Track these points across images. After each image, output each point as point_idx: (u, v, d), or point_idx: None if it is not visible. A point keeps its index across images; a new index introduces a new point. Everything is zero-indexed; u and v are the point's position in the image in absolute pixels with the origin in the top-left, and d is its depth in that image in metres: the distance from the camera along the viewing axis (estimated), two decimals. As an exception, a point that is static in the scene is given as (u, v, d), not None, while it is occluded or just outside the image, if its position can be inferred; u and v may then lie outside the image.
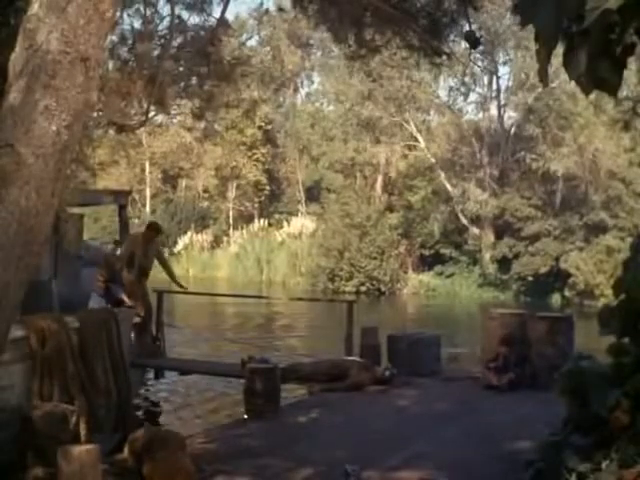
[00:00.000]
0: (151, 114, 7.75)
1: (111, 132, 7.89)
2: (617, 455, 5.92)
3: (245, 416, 8.95)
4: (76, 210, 12.84)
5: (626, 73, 3.44)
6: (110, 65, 7.49)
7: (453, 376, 11.41)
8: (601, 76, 3.23)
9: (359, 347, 11.73)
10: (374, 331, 11.96)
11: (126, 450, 6.62)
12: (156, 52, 7.72)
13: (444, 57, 7.93)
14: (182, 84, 8.07)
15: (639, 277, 6.90)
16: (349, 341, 12.05)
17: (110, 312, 10.03)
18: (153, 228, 13.27)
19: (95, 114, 7.02)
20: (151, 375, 12.94)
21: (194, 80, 8.12)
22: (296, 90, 51.78)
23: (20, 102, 3.24)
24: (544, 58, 3.27)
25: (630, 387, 6.56)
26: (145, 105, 7.35)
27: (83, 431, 7.30)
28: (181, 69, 7.96)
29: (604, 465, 5.95)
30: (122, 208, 14.31)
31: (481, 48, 36.78)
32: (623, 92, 28.25)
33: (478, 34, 8.69)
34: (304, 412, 9.26)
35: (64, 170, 3.37)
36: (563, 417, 7.07)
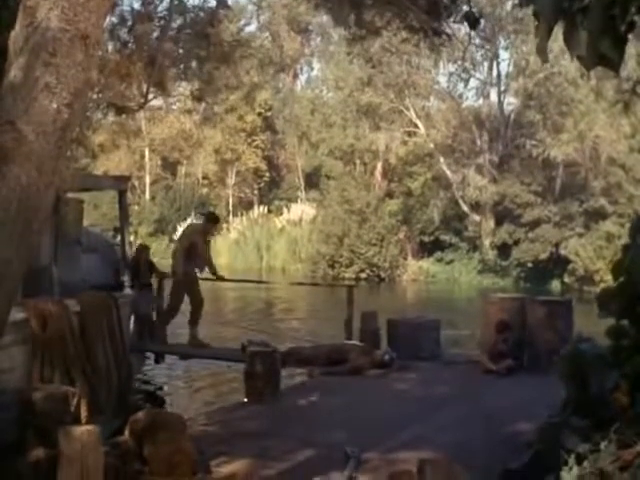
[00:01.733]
0: (151, 96, 7.73)
1: (111, 114, 7.88)
2: (616, 436, 5.94)
3: (245, 399, 8.97)
4: (76, 195, 12.84)
5: (626, 54, 3.44)
6: (110, 47, 7.48)
7: (452, 360, 11.45)
8: (602, 53, 3.23)
9: (359, 331, 11.76)
10: (374, 315, 11.98)
11: (127, 432, 6.63)
12: (155, 34, 7.71)
13: (444, 38, 7.90)
14: (182, 66, 8.05)
15: (638, 259, 6.91)
16: (349, 325, 12.06)
17: (111, 296, 10.03)
18: (213, 219, 12.93)
19: (95, 96, 7.01)
20: (151, 360, 12.95)
21: (194, 62, 8.09)
22: (295, 76, 51.67)
23: (20, 80, 3.24)
24: (543, 35, 3.28)
25: (629, 369, 6.59)
26: (145, 87, 7.34)
27: (84, 413, 7.31)
28: (181, 51, 7.94)
29: (603, 446, 5.96)
30: (122, 194, 14.25)
31: (481, 34, 36.79)
32: (623, 72, 28.20)
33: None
34: (304, 395, 9.30)
35: (65, 148, 3.37)
36: (562, 400, 7.11)
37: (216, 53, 8.10)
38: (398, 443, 7.24)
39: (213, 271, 12.60)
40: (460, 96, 40.04)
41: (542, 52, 3.46)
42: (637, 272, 6.74)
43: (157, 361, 12.52)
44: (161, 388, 12.55)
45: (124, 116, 7.91)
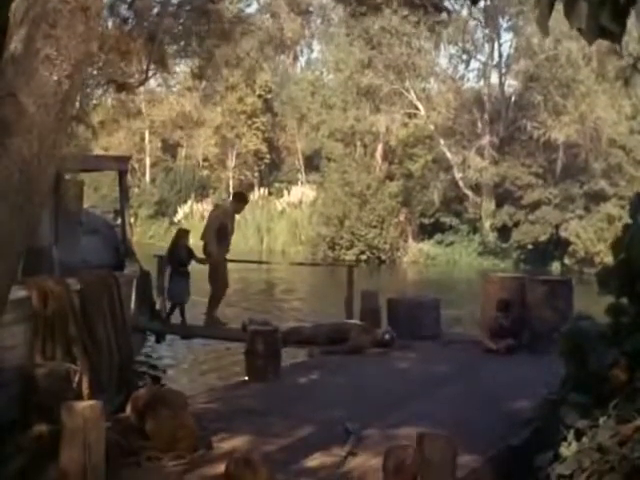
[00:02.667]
0: (151, 73, 7.72)
1: (111, 91, 7.87)
2: (615, 411, 5.98)
3: (246, 377, 9.01)
4: (76, 176, 12.82)
5: (627, 29, 3.43)
6: (109, 23, 7.46)
7: (453, 339, 11.48)
8: (603, 25, 3.22)
9: (359, 311, 11.80)
10: (374, 295, 12.02)
11: (128, 408, 6.67)
12: (156, 10, 7.66)
13: (444, 15, 7.86)
14: (182, 43, 8.02)
15: (638, 238, 6.93)
16: (349, 305, 12.11)
17: (111, 275, 10.06)
18: (242, 199, 12.71)
19: (95, 72, 7.01)
20: (152, 340, 12.97)
21: (194, 39, 8.06)
22: (295, 58, 51.51)
23: (21, 51, 3.24)
24: (544, 8, 3.27)
25: (628, 346, 6.62)
26: (145, 64, 7.33)
27: (86, 390, 7.36)
28: (180, 28, 7.91)
29: (602, 421, 6.00)
30: (122, 174, 14.21)
31: (483, 15, 36.65)
32: (624, 48, 28.06)
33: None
34: (304, 374, 9.33)
35: (65, 121, 3.38)
36: (562, 377, 7.15)
37: (216, 30, 8.06)
38: (398, 420, 7.27)
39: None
40: (461, 78, 39.98)
41: (543, 26, 3.45)
42: (637, 250, 6.77)
43: (158, 341, 12.55)
44: (158, 368, 12.58)
45: (124, 93, 7.88)
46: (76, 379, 6.97)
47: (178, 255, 12.15)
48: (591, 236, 31.07)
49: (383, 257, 35.05)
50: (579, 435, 6.23)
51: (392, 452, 4.34)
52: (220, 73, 9.15)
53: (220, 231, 11.84)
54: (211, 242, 11.88)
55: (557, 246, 33.12)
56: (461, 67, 39.70)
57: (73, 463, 5.38)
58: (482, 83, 38.97)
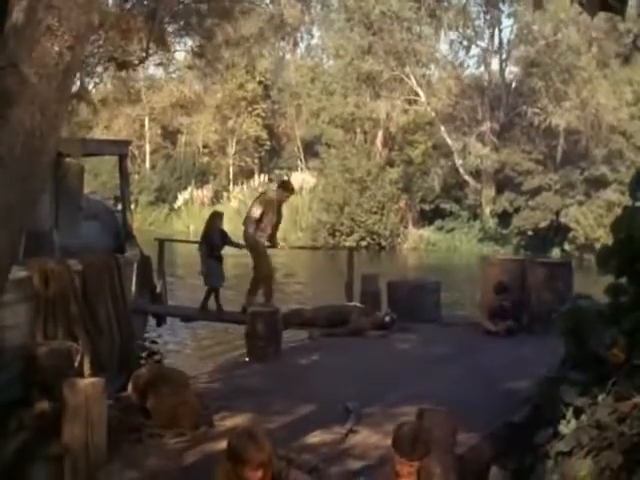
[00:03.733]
0: (151, 52, 7.73)
1: (111, 69, 7.87)
2: (613, 389, 6.01)
3: (246, 358, 9.05)
4: (76, 161, 12.82)
5: (628, 5, 3.43)
6: (110, 1, 7.45)
7: (453, 322, 11.52)
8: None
9: (359, 294, 11.82)
10: (374, 278, 12.05)
11: (130, 387, 6.72)
12: (156, -14, 7.65)
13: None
14: (182, 22, 8.01)
15: (637, 216, 6.95)
16: (349, 288, 12.13)
17: (112, 256, 10.08)
18: (287, 188, 12.44)
19: (96, 50, 7.02)
20: (153, 323, 13.00)
21: (194, 17, 8.04)
22: (296, 44, 51.32)
23: (23, 22, 3.25)
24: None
25: (627, 325, 6.63)
26: (145, 42, 7.33)
27: (87, 370, 7.40)
28: (181, 6, 7.89)
29: (600, 399, 6.04)
30: (122, 158, 14.21)
31: (483, 1, 36.54)
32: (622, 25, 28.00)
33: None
34: (305, 355, 9.38)
35: (67, 92, 3.39)
36: (561, 357, 7.18)
37: (217, 9, 8.04)
38: (398, 399, 7.31)
39: (274, 242, 12.37)
40: (461, 64, 39.88)
41: (537, 1, 3.47)
42: (637, 230, 6.78)
43: (159, 324, 12.57)
44: (159, 352, 12.61)
45: (125, 72, 7.88)
46: (78, 358, 7.00)
47: (212, 239, 11.97)
48: (591, 222, 31.07)
49: (383, 243, 35.05)
50: (578, 413, 6.27)
51: (405, 426, 4.34)
52: (220, 53, 9.10)
53: (261, 219, 11.61)
54: (248, 229, 11.67)
55: (557, 232, 33.11)
56: (462, 53, 39.59)
57: (75, 439, 5.43)
58: (483, 69, 38.92)
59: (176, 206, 42.63)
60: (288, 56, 51.04)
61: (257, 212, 11.71)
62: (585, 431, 5.91)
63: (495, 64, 38.14)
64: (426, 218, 37.22)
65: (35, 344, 7.28)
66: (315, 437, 6.22)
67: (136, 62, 7.67)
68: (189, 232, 37.69)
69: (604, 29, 32.38)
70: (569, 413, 6.29)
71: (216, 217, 12.43)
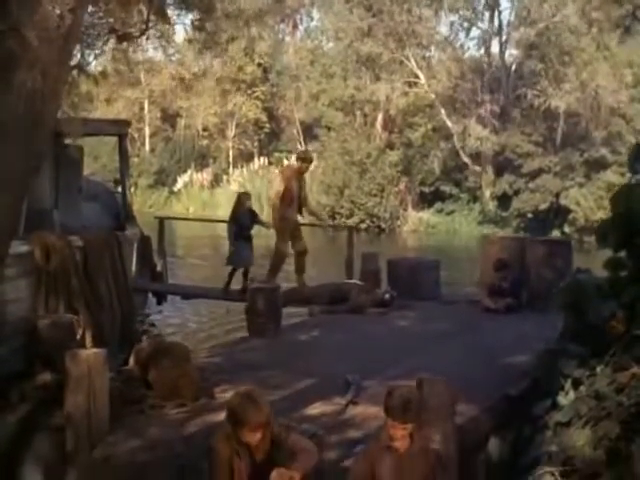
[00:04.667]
0: (151, 24, 7.73)
1: (112, 41, 7.86)
2: (612, 360, 6.05)
3: (247, 334, 9.09)
4: (76, 142, 12.81)
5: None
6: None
7: (452, 299, 11.55)
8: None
9: (359, 272, 11.84)
10: (374, 256, 12.07)
11: (131, 360, 6.76)
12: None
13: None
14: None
15: (637, 191, 6.96)
16: (349, 266, 12.16)
17: (113, 234, 10.10)
18: (305, 158, 12.09)
19: (96, 22, 7.03)
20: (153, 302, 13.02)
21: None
22: (295, 27, 51.12)
23: (24, -15, 3.26)
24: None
25: (626, 297, 6.66)
26: (145, 14, 7.33)
27: (89, 344, 7.44)
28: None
29: (599, 370, 6.08)
30: (122, 138, 14.19)
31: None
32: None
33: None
34: (305, 331, 9.42)
35: (69, 56, 3.41)
36: (560, 331, 7.23)
37: (217, -18, 8.06)
38: (398, 373, 7.34)
39: (311, 211, 12.22)
40: (461, 46, 39.76)
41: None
42: (635, 204, 6.80)
43: (159, 302, 12.57)
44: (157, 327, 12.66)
45: (125, 44, 7.88)
46: (79, 332, 7.04)
47: (240, 219, 11.91)
48: (591, 204, 31.07)
49: (383, 226, 35.05)
50: (577, 384, 6.32)
51: (396, 390, 4.40)
52: (220, 26, 9.08)
53: (285, 194, 11.42)
54: (275, 206, 11.52)
55: (557, 214, 33.11)
56: (462, 35, 39.54)
57: (77, 409, 5.48)
58: (482, 51, 38.79)
59: (176, 189, 42.63)
60: (287, 38, 50.90)
61: (279, 188, 11.56)
62: (583, 402, 5.95)
63: (495, 46, 38.05)
64: (426, 201, 37.20)
65: (37, 317, 7.32)
66: (315, 408, 6.27)
67: (136, 34, 7.68)
68: (189, 214, 37.79)
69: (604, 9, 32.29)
70: (568, 384, 6.34)
71: (243, 197, 12.37)
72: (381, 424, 5.76)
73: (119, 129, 14.07)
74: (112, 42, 7.82)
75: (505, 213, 34.58)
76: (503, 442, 6.17)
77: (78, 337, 7.08)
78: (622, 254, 6.96)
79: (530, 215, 33.62)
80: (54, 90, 3.37)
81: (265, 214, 39.04)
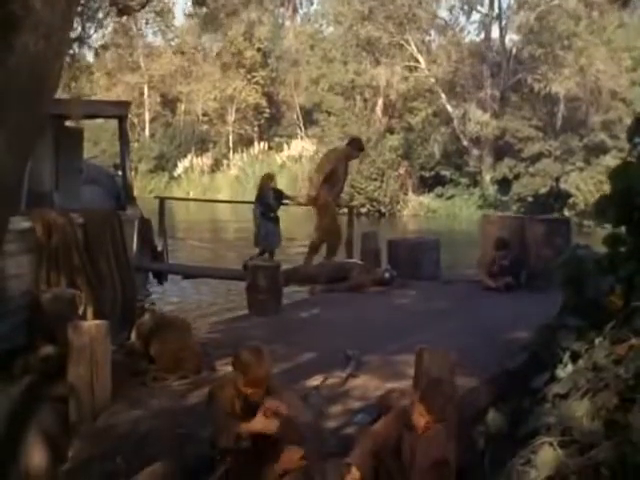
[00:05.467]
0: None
1: (112, 15, 7.87)
2: (610, 333, 6.09)
3: (247, 312, 9.12)
4: (76, 124, 12.81)
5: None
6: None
7: (452, 279, 11.59)
8: None
9: (359, 252, 11.87)
10: (374, 235, 12.09)
11: (133, 335, 6.80)
12: None
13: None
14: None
15: (635, 166, 6.99)
16: (349, 245, 12.18)
17: (114, 213, 10.13)
18: (358, 146, 11.97)
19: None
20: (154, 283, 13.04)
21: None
22: (295, 11, 50.99)
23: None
24: None
25: (624, 273, 6.70)
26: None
27: (90, 318, 7.47)
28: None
29: (597, 342, 6.12)
30: (122, 120, 14.16)
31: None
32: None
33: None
34: (306, 309, 9.46)
35: (71, 20, 3.42)
36: (560, 306, 7.26)
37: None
38: (398, 348, 7.38)
39: (337, 201, 12.03)
40: (462, 30, 39.69)
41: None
42: (635, 180, 6.83)
43: (160, 282, 12.58)
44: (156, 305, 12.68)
45: (125, 18, 7.89)
46: (81, 307, 7.08)
47: (265, 200, 11.91)
48: (591, 188, 31.07)
49: (383, 210, 35.06)
50: (575, 357, 6.36)
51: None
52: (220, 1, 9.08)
53: (330, 175, 11.26)
54: (315, 185, 11.34)
55: (557, 198, 32.89)
56: (462, 19, 39.46)
57: (80, 380, 5.52)
58: (483, 35, 38.71)
59: (176, 174, 42.65)
60: (287, 23, 50.76)
61: (328, 168, 11.35)
62: (582, 374, 5.99)
63: (495, 31, 37.98)
64: (426, 185, 37.20)
65: (39, 292, 7.36)
66: (316, 380, 6.31)
67: (137, 7, 7.68)
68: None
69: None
70: (566, 357, 6.39)
71: (268, 178, 12.35)
72: (379, 394, 5.84)
73: (119, 110, 14.04)
74: (113, 15, 7.83)
75: (505, 197, 34.55)
76: (502, 414, 6.20)
77: (80, 313, 7.11)
78: (621, 229, 7.01)
79: (530, 199, 33.51)
80: (57, 53, 3.39)
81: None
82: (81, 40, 6.86)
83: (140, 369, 6.21)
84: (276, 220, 12.02)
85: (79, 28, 6.64)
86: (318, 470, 4.22)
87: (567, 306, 7.16)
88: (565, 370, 6.31)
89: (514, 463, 5.69)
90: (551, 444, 5.59)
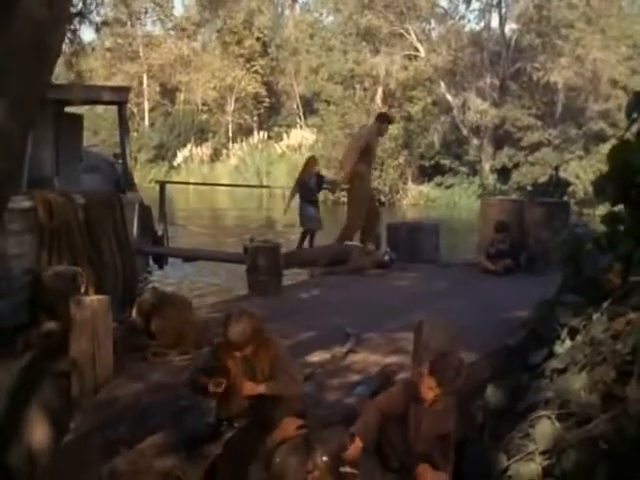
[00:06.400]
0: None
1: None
2: (608, 308, 6.13)
3: (248, 292, 9.16)
4: (76, 110, 12.84)
5: None
6: None
7: (452, 262, 11.63)
8: None
9: (359, 235, 11.90)
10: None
11: (134, 312, 6.84)
12: None
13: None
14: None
15: (635, 144, 7.02)
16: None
17: (115, 195, 10.16)
18: (386, 119, 11.71)
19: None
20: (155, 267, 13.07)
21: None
22: (295, 0, 50.91)
23: None
24: None
25: (622, 250, 6.73)
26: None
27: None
28: None
29: (595, 317, 6.16)
30: (122, 105, 14.16)
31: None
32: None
33: None
34: (306, 290, 9.51)
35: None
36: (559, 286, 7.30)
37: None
38: (397, 326, 7.43)
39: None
40: (462, 18, 39.64)
41: None
42: (633, 156, 6.86)
43: (161, 266, 12.60)
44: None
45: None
46: (83, 286, 7.12)
47: (307, 184, 11.92)
48: (590, 177, 31.03)
49: (382, 199, 35.01)
50: (573, 333, 6.40)
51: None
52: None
53: (365, 151, 11.08)
54: (349, 161, 11.18)
55: (556, 187, 33.10)
56: (462, 8, 39.39)
57: (82, 354, 5.57)
58: (483, 24, 38.68)
59: (175, 164, 42.65)
60: (287, 12, 50.69)
61: (362, 143, 11.16)
62: (580, 349, 6.03)
63: (495, 19, 37.95)
64: (426, 174, 37.19)
65: (41, 270, 7.39)
66: (316, 356, 6.36)
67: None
68: (189, 189, 37.75)
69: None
70: (564, 333, 6.44)
71: (312, 161, 12.36)
72: (378, 369, 5.89)
73: (119, 96, 14.05)
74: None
75: (504, 186, 34.60)
76: (501, 389, 6.24)
77: (82, 292, 7.13)
78: (619, 208, 7.05)
79: (530, 188, 33.65)
80: (59, 19, 3.42)
81: (264, 189, 38.95)
82: (82, 15, 6.88)
83: (141, 345, 6.26)
84: (315, 203, 12.04)
85: (80, 4, 6.67)
86: (317, 438, 4.26)
87: (566, 284, 7.21)
88: (563, 346, 6.36)
89: (512, 436, 5.75)
90: (549, 417, 5.65)
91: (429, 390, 4.49)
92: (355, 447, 4.28)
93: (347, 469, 4.02)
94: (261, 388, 4.40)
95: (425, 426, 4.54)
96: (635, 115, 6.54)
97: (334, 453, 4.08)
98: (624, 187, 6.91)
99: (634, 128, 7.51)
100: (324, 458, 4.12)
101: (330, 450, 4.10)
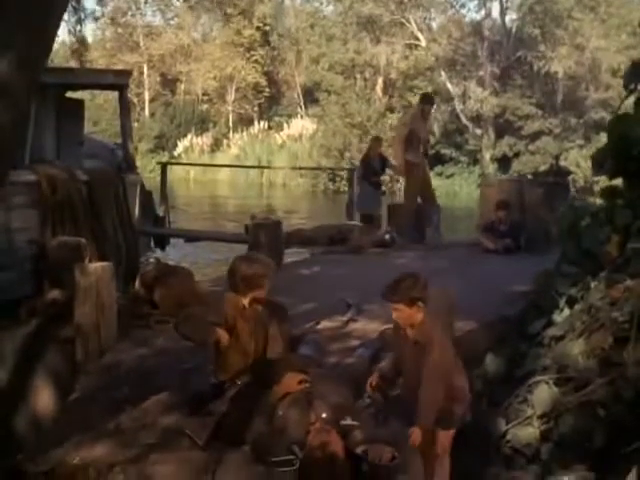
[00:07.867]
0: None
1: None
2: (606, 277, 6.21)
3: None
4: (77, 95, 12.86)
5: None
6: None
7: (452, 242, 11.69)
8: None
9: (360, 216, 11.98)
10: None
11: (137, 283, 6.92)
12: None
13: None
14: None
15: (631, 118, 7.10)
16: (350, 207, 12.26)
17: (116, 173, 10.21)
18: (427, 100, 11.65)
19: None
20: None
21: None
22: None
23: None
24: None
25: (619, 222, 6.81)
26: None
27: (95, 270, 7.55)
28: None
29: (593, 286, 6.24)
30: (123, 90, 14.15)
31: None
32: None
33: None
34: (307, 267, 9.60)
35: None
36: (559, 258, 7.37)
37: None
38: (397, 299, 7.49)
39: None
40: (462, 7, 39.65)
41: None
42: (630, 131, 6.93)
43: (162, 247, 12.62)
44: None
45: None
46: (86, 259, 7.18)
47: (371, 164, 11.94)
48: (590, 165, 31.15)
49: (383, 188, 35.05)
50: (571, 302, 6.49)
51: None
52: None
53: (409, 137, 11.09)
54: (396, 152, 11.28)
55: (557, 176, 33.14)
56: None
57: (87, 319, 5.65)
58: (483, 13, 38.67)
59: (176, 153, 42.59)
60: (287, 1, 50.62)
61: (404, 131, 11.26)
62: (578, 316, 6.12)
63: (496, 7, 37.94)
64: (426, 163, 37.17)
65: (45, 240, 7.47)
66: (317, 324, 6.44)
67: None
68: (190, 179, 37.81)
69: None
70: (563, 302, 6.52)
71: (375, 144, 12.39)
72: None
73: (120, 79, 14.04)
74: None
75: (505, 175, 34.61)
76: (500, 357, 6.33)
77: (86, 261, 7.20)
78: (618, 181, 7.13)
79: (530, 177, 33.64)
80: None
81: (264, 178, 39.02)
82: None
83: (144, 313, 6.34)
84: (378, 185, 12.12)
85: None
86: (319, 392, 4.33)
87: (565, 256, 7.29)
88: (562, 315, 6.44)
89: (511, 402, 5.84)
90: (547, 382, 5.73)
91: (394, 312, 4.59)
92: (373, 379, 4.50)
93: (348, 421, 4.11)
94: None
95: (411, 361, 4.57)
96: (633, 85, 6.61)
97: (335, 406, 4.17)
98: (622, 160, 6.99)
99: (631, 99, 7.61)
100: (324, 414, 4.20)
101: (331, 403, 4.18)
